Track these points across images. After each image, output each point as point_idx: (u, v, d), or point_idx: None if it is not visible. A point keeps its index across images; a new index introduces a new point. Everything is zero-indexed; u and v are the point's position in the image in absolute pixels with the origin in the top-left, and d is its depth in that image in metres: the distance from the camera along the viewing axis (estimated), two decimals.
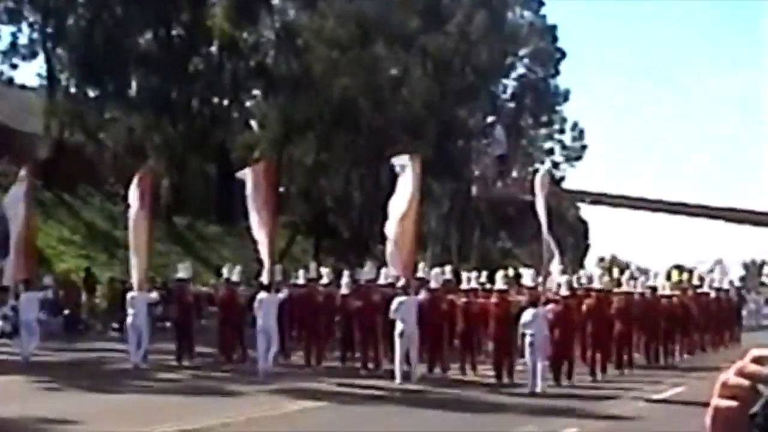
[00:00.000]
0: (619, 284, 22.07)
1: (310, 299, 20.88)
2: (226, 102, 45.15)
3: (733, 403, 1.26)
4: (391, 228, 18.40)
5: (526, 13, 57.28)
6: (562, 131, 61.28)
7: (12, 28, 40.91)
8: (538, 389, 16.41)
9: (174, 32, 42.52)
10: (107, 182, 41.38)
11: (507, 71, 56.71)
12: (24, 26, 41.15)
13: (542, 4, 56.89)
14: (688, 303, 24.57)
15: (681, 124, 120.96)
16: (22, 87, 43.75)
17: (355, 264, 35.26)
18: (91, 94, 41.67)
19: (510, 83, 58.11)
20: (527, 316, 16.69)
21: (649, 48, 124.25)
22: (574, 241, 64.79)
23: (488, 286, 19.90)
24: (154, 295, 20.49)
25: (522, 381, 17.14)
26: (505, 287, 18.45)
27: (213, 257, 39.50)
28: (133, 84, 42.65)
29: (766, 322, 39.00)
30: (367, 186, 47.03)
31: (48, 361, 19.72)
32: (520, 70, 58.36)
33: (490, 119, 56.26)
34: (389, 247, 18.33)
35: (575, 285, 19.66)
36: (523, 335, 16.77)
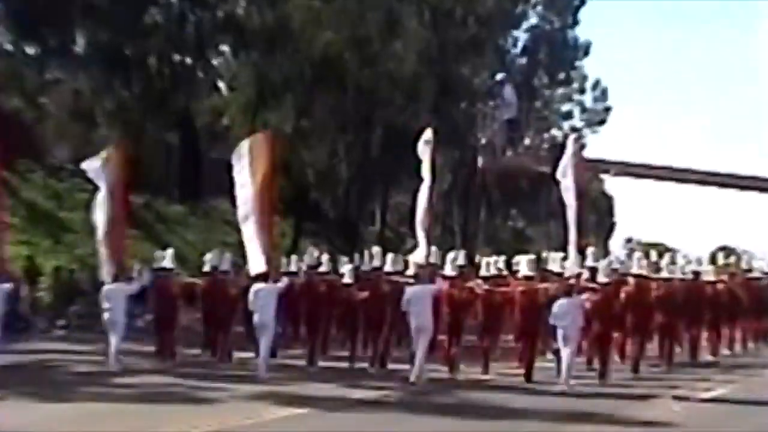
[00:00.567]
0: (658, 269, 22.04)
1: (311, 290, 20.96)
2: (189, 60, 44.82)
3: None
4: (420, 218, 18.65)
5: None
6: (582, 91, 61.28)
7: None
8: (568, 388, 16.63)
9: None
10: (50, 155, 41.06)
11: (517, 21, 56.54)
12: None
13: None
14: (737, 289, 24.55)
15: (721, 83, 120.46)
16: None
17: (344, 249, 35.11)
18: (30, 51, 41.30)
19: (521, 35, 58.09)
20: (560, 306, 16.78)
21: None
22: (597, 218, 64.94)
23: (505, 272, 19.98)
24: (135, 286, 20.44)
25: (546, 380, 17.33)
26: (531, 273, 18.58)
27: (175, 241, 39.30)
28: (80, 39, 42.24)
29: None
30: (355, 157, 46.85)
31: None
32: (533, 19, 58.34)
33: (498, 77, 56.06)
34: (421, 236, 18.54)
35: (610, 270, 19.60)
36: (554, 328, 16.76)
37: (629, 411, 14.97)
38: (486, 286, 19.53)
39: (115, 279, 19.89)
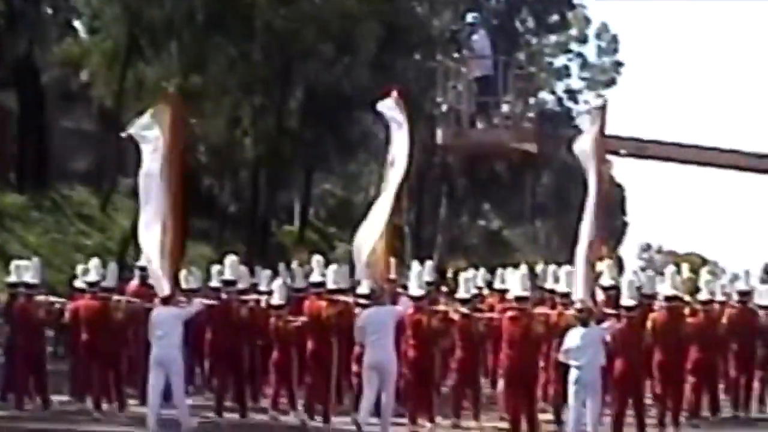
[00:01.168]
0: (696, 289, 22.25)
1: (228, 315, 20.87)
2: None
3: None
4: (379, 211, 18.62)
5: None
6: (582, 40, 61.77)
7: None
8: None
9: None
10: None
11: None
12: None
13: None
14: None
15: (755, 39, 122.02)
16: None
17: (252, 255, 35.18)
18: None
19: None
20: (574, 338, 17.07)
21: None
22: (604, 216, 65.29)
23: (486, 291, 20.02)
24: None
25: None
26: (525, 294, 18.64)
27: (11, 243, 39.27)
28: None
29: None
30: (265, 128, 46.83)
31: None
32: None
33: (468, 19, 56.18)
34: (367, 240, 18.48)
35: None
36: (566, 368, 16.91)
37: None
38: (464, 310, 19.70)
39: None
